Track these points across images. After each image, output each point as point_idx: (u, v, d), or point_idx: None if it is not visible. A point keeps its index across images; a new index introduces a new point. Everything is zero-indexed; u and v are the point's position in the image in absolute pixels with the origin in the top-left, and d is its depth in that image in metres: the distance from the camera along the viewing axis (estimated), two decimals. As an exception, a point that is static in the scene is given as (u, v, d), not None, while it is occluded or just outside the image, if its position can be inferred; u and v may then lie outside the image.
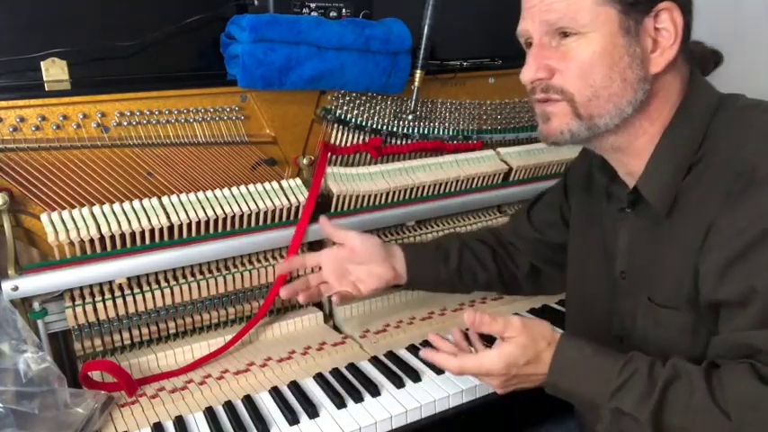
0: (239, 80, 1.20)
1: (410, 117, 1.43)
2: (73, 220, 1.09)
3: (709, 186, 0.84)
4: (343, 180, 1.31)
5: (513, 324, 0.88)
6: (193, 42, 1.33)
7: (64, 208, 1.10)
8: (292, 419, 1.01)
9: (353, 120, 1.37)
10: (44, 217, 1.08)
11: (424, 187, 1.40)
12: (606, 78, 0.84)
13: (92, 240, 1.10)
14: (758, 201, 0.79)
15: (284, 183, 1.26)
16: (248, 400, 1.06)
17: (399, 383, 1.10)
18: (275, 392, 1.08)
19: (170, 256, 1.15)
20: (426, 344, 1.21)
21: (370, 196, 1.34)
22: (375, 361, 1.17)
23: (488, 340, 1.04)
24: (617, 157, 0.94)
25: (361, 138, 1.39)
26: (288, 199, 1.24)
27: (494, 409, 1.12)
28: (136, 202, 1.14)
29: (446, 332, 1.11)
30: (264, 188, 1.24)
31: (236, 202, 1.20)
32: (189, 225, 1.17)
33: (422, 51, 1.35)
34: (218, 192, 1.20)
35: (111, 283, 1.14)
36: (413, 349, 1.21)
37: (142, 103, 1.17)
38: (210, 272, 1.22)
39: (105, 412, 1.01)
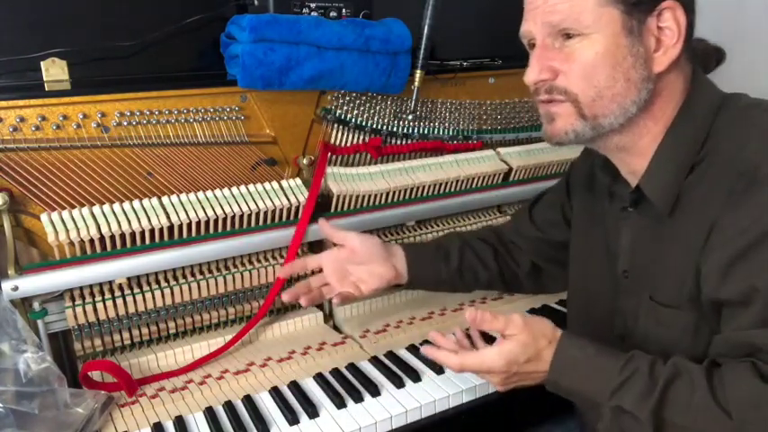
0: (239, 80, 1.20)
1: (410, 117, 1.43)
2: (73, 220, 1.09)
3: (712, 185, 0.84)
4: (343, 180, 1.31)
5: (515, 322, 0.88)
6: (193, 42, 1.33)
7: (64, 208, 1.10)
8: (292, 419, 1.01)
9: (353, 120, 1.37)
10: (44, 217, 1.08)
11: (424, 187, 1.40)
12: (610, 79, 0.84)
13: (92, 240, 1.10)
14: (760, 200, 0.79)
15: (284, 183, 1.26)
16: (248, 400, 1.06)
17: (399, 383, 1.10)
18: (275, 392, 1.08)
19: (170, 256, 1.15)
20: (427, 343, 1.22)
21: (370, 196, 1.34)
22: (375, 361, 1.17)
23: (489, 340, 1.04)
24: (620, 157, 0.94)
25: (361, 138, 1.39)
26: (288, 199, 1.24)
27: (494, 409, 1.12)
28: (136, 202, 1.14)
29: (446, 332, 1.11)
30: (264, 188, 1.24)
31: (236, 202, 1.20)
32: (189, 225, 1.17)
33: (422, 51, 1.35)
34: (218, 192, 1.20)
35: (111, 283, 1.14)
36: (413, 349, 1.21)
37: (142, 103, 1.17)
38: (210, 272, 1.22)
39: (105, 412, 1.01)
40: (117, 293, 1.14)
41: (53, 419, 0.93)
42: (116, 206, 1.12)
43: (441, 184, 1.42)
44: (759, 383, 0.75)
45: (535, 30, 0.87)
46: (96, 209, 1.11)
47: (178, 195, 1.17)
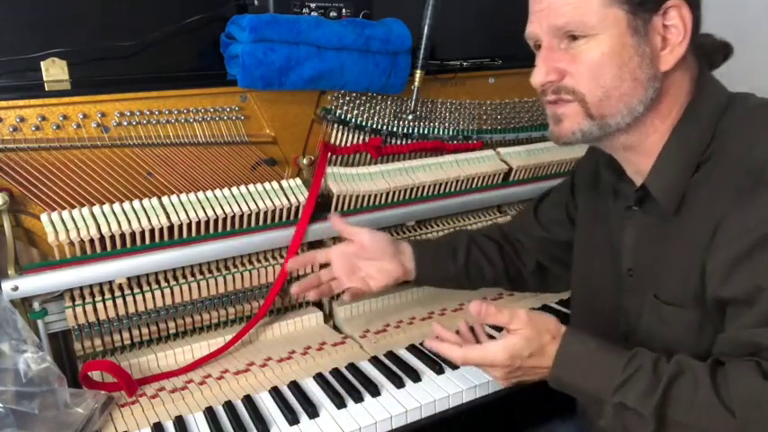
0: (239, 80, 1.20)
1: (410, 117, 1.43)
2: (73, 220, 1.09)
3: (718, 184, 0.84)
4: (343, 180, 1.31)
5: (519, 316, 0.88)
6: (193, 42, 1.33)
7: (64, 208, 1.10)
8: (292, 419, 1.01)
9: (353, 120, 1.37)
10: (44, 217, 1.08)
11: (424, 187, 1.40)
12: (616, 78, 0.84)
13: (92, 240, 1.10)
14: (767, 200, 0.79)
15: (284, 183, 1.26)
16: (248, 400, 1.06)
17: (399, 383, 1.10)
18: (275, 392, 1.08)
19: (170, 256, 1.15)
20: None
21: (370, 196, 1.34)
22: (375, 361, 1.17)
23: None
24: (626, 156, 0.94)
25: (361, 138, 1.39)
26: (288, 199, 1.24)
27: (494, 409, 1.12)
28: (136, 202, 1.14)
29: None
30: (264, 188, 1.24)
31: (236, 202, 1.20)
32: (189, 225, 1.17)
33: (422, 51, 1.35)
34: (218, 192, 1.20)
35: (111, 283, 1.14)
36: (413, 349, 1.21)
37: (142, 103, 1.17)
38: (210, 272, 1.22)
39: (105, 412, 1.01)
40: (117, 293, 1.14)
41: (53, 419, 0.93)
42: (116, 206, 1.13)
43: (441, 184, 1.42)
44: (762, 382, 0.75)
45: (540, 32, 0.87)
46: (96, 209, 1.11)
47: (178, 195, 1.17)
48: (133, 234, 1.12)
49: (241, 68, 1.18)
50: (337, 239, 1.31)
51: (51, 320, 1.12)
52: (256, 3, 1.30)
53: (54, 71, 1.18)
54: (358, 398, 1.06)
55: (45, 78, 1.18)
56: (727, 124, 0.87)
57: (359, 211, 1.32)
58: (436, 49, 1.41)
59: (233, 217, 1.20)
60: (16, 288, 1.03)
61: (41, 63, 1.17)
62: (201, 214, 1.17)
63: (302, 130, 1.34)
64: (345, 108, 1.36)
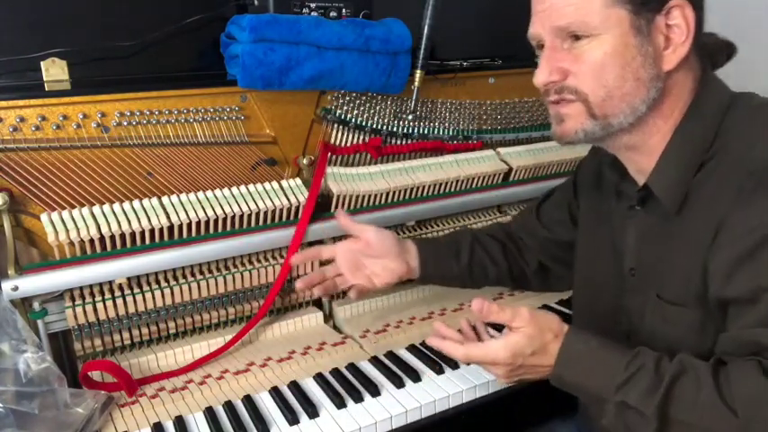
0: (239, 80, 1.20)
1: (410, 117, 1.43)
2: (73, 220, 1.09)
3: (721, 184, 0.84)
4: (343, 180, 1.31)
5: (521, 314, 0.88)
6: (193, 42, 1.33)
7: (64, 208, 1.10)
8: (292, 419, 1.01)
9: (353, 120, 1.37)
10: (44, 217, 1.08)
11: (424, 187, 1.40)
12: (619, 78, 0.84)
13: (92, 240, 1.10)
14: None
15: (284, 183, 1.26)
16: (248, 400, 1.06)
17: (399, 383, 1.10)
18: (275, 392, 1.08)
19: (170, 256, 1.15)
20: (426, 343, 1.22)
21: (370, 196, 1.34)
22: (375, 361, 1.17)
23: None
24: (629, 156, 0.94)
25: (361, 138, 1.39)
26: (288, 199, 1.24)
27: (494, 409, 1.12)
28: (136, 202, 1.14)
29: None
30: (264, 188, 1.24)
31: (236, 202, 1.20)
32: (189, 225, 1.17)
33: (422, 51, 1.35)
34: (218, 192, 1.20)
35: (111, 283, 1.14)
36: (413, 349, 1.21)
37: (142, 103, 1.17)
38: (210, 272, 1.22)
39: (105, 412, 1.01)
40: (117, 293, 1.14)
41: (53, 419, 0.93)
42: (116, 206, 1.12)
43: (441, 184, 1.42)
44: (765, 381, 0.75)
45: (543, 32, 0.87)
46: (96, 209, 1.11)
47: (178, 195, 1.17)
48: (133, 234, 1.12)
49: (241, 68, 1.18)
50: (337, 240, 1.31)
51: (51, 320, 1.12)
52: (256, 3, 1.30)
53: (54, 71, 1.18)
54: (358, 398, 1.06)
55: (45, 78, 1.18)
56: (730, 124, 0.87)
57: (359, 211, 1.32)
58: (436, 49, 1.41)
59: (233, 217, 1.20)
60: (16, 288, 1.03)
61: (41, 63, 1.17)
62: (201, 214, 1.17)
63: (302, 130, 1.33)
64: (345, 108, 1.36)
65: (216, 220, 1.19)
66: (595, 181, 1.09)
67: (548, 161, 1.54)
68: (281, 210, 1.24)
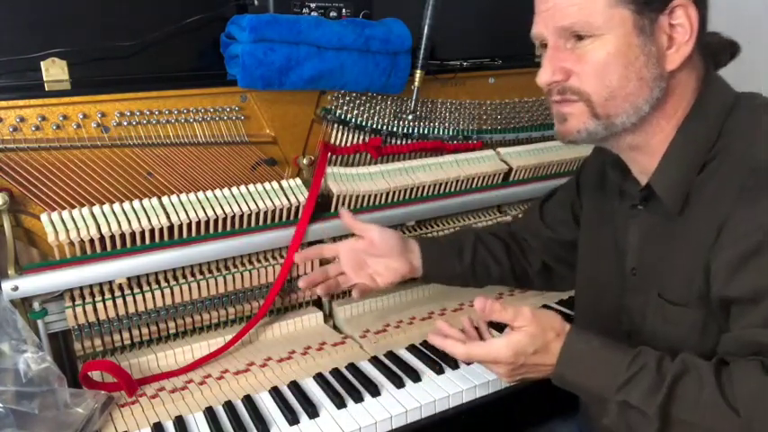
0: (239, 80, 1.20)
1: (410, 117, 1.43)
2: (73, 220, 1.09)
3: (723, 183, 0.84)
4: (343, 180, 1.31)
5: (523, 313, 0.88)
6: (193, 42, 1.33)
7: (64, 208, 1.10)
8: (292, 419, 1.01)
9: (353, 120, 1.37)
10: (44, 217, 1.08)
11: (424, 187, 1.40)
12: (622, 78, 0.84)
13: (92, 240, 1.10)
14: None
15: (284, 183, 1.26)
16: (248, 400, 1.06)
17: (399, 383, 1.10)
18: (275, 392, 1.08)
19: (170, 256, 1.15)
20: (427, 343, 1.22)
21: (370, 196, 1.34)
22: (375, 361, 1.17)
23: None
24: (632, 156, 0.94)
25: (361, 138, 1.39)
26: (288, 199, 1.24)
27: (494, 409, 1.12)
28: (136, 202, 1.14)
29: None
30: (264, 188, 1.24)
31: (236, 202, 1.20)
32: (189, 225, 1.17)
33: (422, 51, 1.35)
34: (218, 192, 1.20)
35: (111, 283, 1.14)
36: (413, 349, 1.21)
37: (142, 103, 1.17)
38: (210, 272, 1.22)
39: (105, 412, 1.01)
40: (117, 293, 1.14)
41: (53, 419, 0.93)
42: (116, 206, 1.12)
43: (441, 184, 1.42)
44: (767, 381, 0.75)
45: (546, 32, 0.87)
46: (96, 209, 1.11)
47: (178, 195, 1.17)
48: (133, 234, 1.12)
49: (241, 68, 1.18)
50: (337, 239, 1.31)
51: (51, 320, 1.12)
52: (256, 3, 1.30)
53: (54, 71, 1.18)
54: (358, 398, 1.06)
55: (45, 78, 1.18)
56: (733, 124, 0.87)
57: (359, 211, 1.32)
58: (436, 49, 1.41)
59: (233, 217, 1.20)
60: (16, 288, 1.03)
61: (41, 63, 1.17)
62: (201, 214, 1.17)
63: (302, 130, 1.33)
64: (345, 108, 1.36)
65: (216, 220, 1.19)
66: (598, 181, 1.09)
67: (548, 161, 1.54)
68: (281, 210, 1.24)
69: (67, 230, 1.07)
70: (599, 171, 1.08)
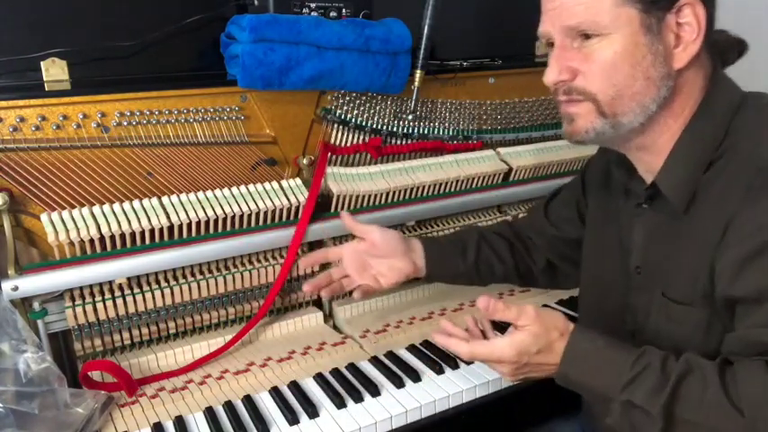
0: (239, 80, 1.20)
1: (410, 117, 1.43)
2: (73, 220, 1.09)
3: (729, 182, 0.84)
4: (343, 180, 1.31)
5: (527, 312, 0.88)
6: (193, 42, 1.33)
7: (64, 208, 1.10)
8: (292, 419, 1.01)
9: (353, 120, 1.37)
10: (44, 217, 1.08)
11: (424, 187, 1.40)
12: (629, 78, 0.84)
13: (92, 240, 1.10)
14: None
15: (284, 183, 1.26)
16: (248, 400, 1.06)
17: (399, 383, 1.10)
18: (275, 392, 1.08)
19: (170, 256, 1.15)
20: (427, 343, 1.22)
21: (370, 196, 1.34)
22: (375, 361, 1.17)
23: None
24: (639, 155, 0.94)
25: (361, 138, 1.39)
26: (288, 199, 1.24)
27: (494, 409, 1.12)
28: (136, 202, 1.14)
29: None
30: (264, 188, 1.24)
31: (236, 202, 1.20)
32: (189, 225, 1.17)
33: (422, 51, 1.35)
34: (218, 192, 1.20)
35: (111, 283, 1.14)
36: (413, 349, 1.21)
37: (142, 103, 1.17)
38: (210, 272, 1.22)
39: (105, 412, 1.01)
40: (117, 293, 1.14)
41: (53, 419, 0.93)
42: (116, 206, 1.12)
43: (441, 184, 1.42)
44: None
45: (553, 31, 0.87)
46: (96, 209, 1.11)
47: (178, 195, 1.17)
48: (133, 234, 1.12)
49: (241, 68, 1.18)
50: (337, 240, 1.31)
51: (51, 320, 1.12)
52: (256, 3, 1.30)
53: (54, 71, 1.18)
54: (358, 398, 1.06)
55: (45, 78, 1.18)
56: (740, 123, 0.87)
57: (359, 211, 1.32)
58: (436, 49, 1.41)
59: (233, 217, 1.20)
60: (16, 288, 1.03)
61: (41, 63, 1.17)
62: (201, 214, 1.17)
63: (302, 130, 1.33)
64: (345, 108, 1.36)
65: (216, 220, 1.19)
66: (604, 179, 1.09)
67: (548, 161, 1.54)
68: (281, 210, 1.24)
69: (67, 230, 1.07)
70: (604, 170, 1.08)
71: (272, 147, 1.30)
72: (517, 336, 0.89)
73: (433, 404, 1.07)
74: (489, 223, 1.50)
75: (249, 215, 1.22)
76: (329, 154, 1.34)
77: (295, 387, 1.09)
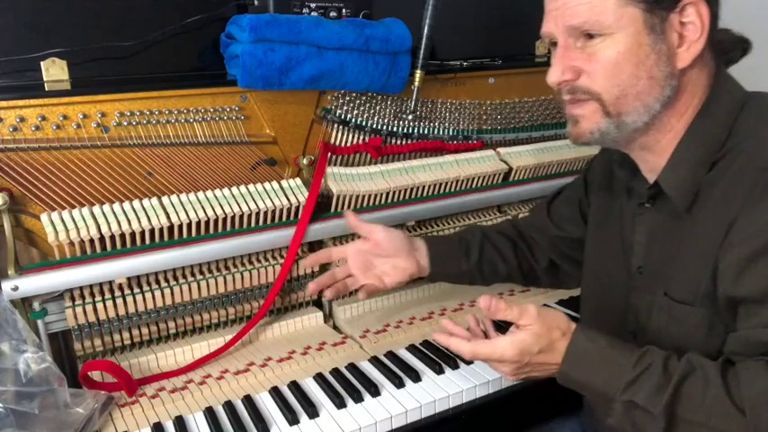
0: (239, 80, 1.20)
1: (410, 117, 1.43)
2: (73, 220, 1.09)
3: (733, 182, 0.84)
4: (343, 180, 1.31)
5: (529, 312, 0.88)
6: (193, 42, 1.33)
7: (64, 208, 1.10)
8: (292, 419, 1.01)
9: (353, 120, 1.37)
10: (44, 217, 1.08)
11: (424, 187, 1.40)
12: (633, 77, 0.84)
13: (92, 240, 1.10)
14: None
15: (284, 183, 1.26)
16: (248, 400, 1.06)
17: (399, 383, 1.10)
18: (275, 392, 1.08)
19: (170, 256, 1.15)
20: (427, 343, 1.22)
21: (370, 196, 1.34)
22: (375, 361, 1.17)
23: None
24: (642, 155, 0.94)
25: (361, 138, 1.39)
26: (288, 199, 1.24)
27: (494, 409, 1.12)
28: (136, 202, 1.14)
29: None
30: (264, 188, 1.24)
31: (236, 202, 1.20)
32: (189, 225, 1.17)
33: (422, 51, 1.35)
34: (218, 192, 1.20)
35: (111, 283, 1.14)
36: (413, 349, 1.21)
37: (142, 103, 1.17)
38: (210, 272, 1.22)
39: (105, 412, 1.01)
40: (117, 293, 1.14)
41: (53, 419, 0.93)
42: (116, 206, 1.13)
43: (441, 184, 1.42)
44: None
45: (556, 31, 0.87)
46: (96, 209, 1.11)
47: (178, 195, 1.17)
48: (133, 234, 1.12)
49: (241, 68, 1.18)
50: (337, 240, 1.31)
51: (51, 320, 1.12)
52: (256, 3, 1.30)
53: (54, 71, 1.18)
54: (358, 398, 1.06)
55: (45, 78, 1.18)
56: (744, 123, 0.87)
57: (359, 211, 1.32)
58: (436, 49, 1.41)
59: (233, 217, 1.20)
60: (16, 288, 1.03)
61: (41, 63, 1.17)
62: (201, 214, 1.17)
63: (302, 130, 1.34)
64: (345, 108, 1.36)
65: (216, 220, 1.19)
66: (606, 179, 1.09)
67: (548, 161, 1.54)
68: (281, 210, 1.24)
69: (67, 230, 1.07)
70: (606, 169, 1.08)
71: (272, 147, 1.30)
72: (519, 335, 0.88)
73: (433, 404, 1.07)
74: (489, 223, 1.50)
75: (249, 215, 1.22)
76: (329, 154, 1.34)
77: (295, 387, 1.09)
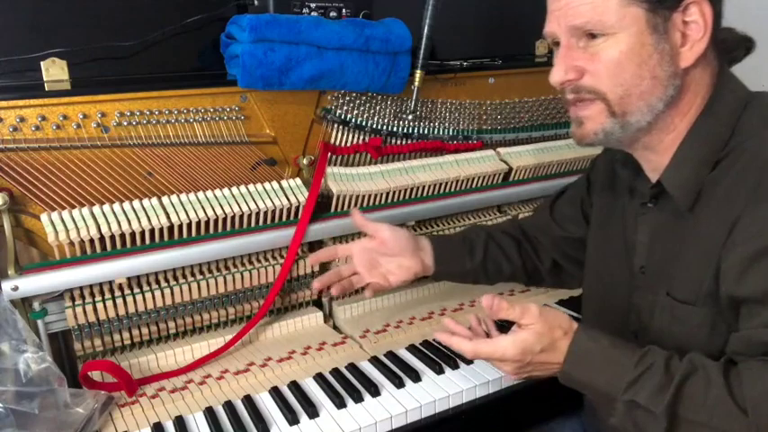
0: (239, 80, 1.20)
1: (410, 117, 1.43)
2: (73, 220, 1.09)
3: (735, 182, 0.84)
4: (343, 180, 1.31)
5: (531, 311, 0.88)
6: (193, 42, 1.33)
7: (64, 208, 1.10)
8: (292, 419, 1.01)
9: (353, 120, 1.37)
10: (44, 217, 1.08)
11: (424, 187, 1.40)
12: (636, 77, 0.84)
13: (92, 240, 1.10)
14: None
15: (284, 183, 1.26)
16: (248, 400, 1.06)
17: (399, 383, 1.10)
18: (275, 392, 1.08)
19: (170, 256, 1.15)
20: (427, 343, 1.22)
21: (370, 196, 1.34)
22: (375, 361, 1.17)
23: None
24: (645, 155, 0.94)
25: (361, 138, 1.39)
26: (288, 199, 1.24)
27: (494, 409, 1.12)
28: (136, 202, 1.14)
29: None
30: (264, 188, 1.24)
31: (236, 202, 1.20)
32: (189, 225, 1.17)
33: (422, 51, 1.35)
34: (218, 192, 1.20)
35: (111, 283, 1.14)
36: (413, 349, 1.21)
37: (142, 103, 1.17)
38: (210, 272, 1.22)
39: (105, 412, 1.01)
40: (117, 293, 1.14)
41: (53, 419, 0.93)
42: (116, 206, 1.13)
43: (441, 184, 1.42)
44: None
45: (559, 31, 0.87)
46: (96, 209, 1.11)
47: (178, 195, 1.17)
48: (133, 234, 1.12)
49: (241, 68, 1.18)
50: (337, 240, 1.31)
51: (51, 320, 1.12)
52: (256, 3, 1.30)
53: (54, 71, 1.18)
54: (358, 398, 1.06)
55: (45, 78, 1.18)
56: (747, 122, 0.86)
57: (359, 211, 1.32)
58: (436, 49, 1.41)
59: (233, 217, 1.20)
60: (16, 288, 1.03)
61: (41, 63, 1.17)
62: (201, 214, 1.17)
63: (302, 130, 1.34)
64: (345, 108, 1.36)
65: (216, 220, 1.19)
66: (609, 179, 1.09)
67: (548, 161, 1.54)
68: (281, 210, 1.24)
69: (67, 230, 1.07)
70: (609, 169, 1.08)
71: (272, 147, 1.30)
72: (521, 334, 0.88)
73: (433, 404, 1.07)
74: (489, 223, 1.50)
75: (249, 215, 1.22)
76: (329, 154, 1.34)
77: (295, 387, 1.09)
